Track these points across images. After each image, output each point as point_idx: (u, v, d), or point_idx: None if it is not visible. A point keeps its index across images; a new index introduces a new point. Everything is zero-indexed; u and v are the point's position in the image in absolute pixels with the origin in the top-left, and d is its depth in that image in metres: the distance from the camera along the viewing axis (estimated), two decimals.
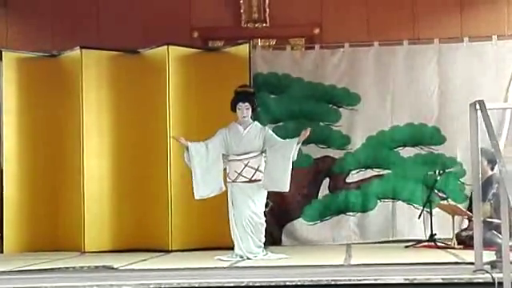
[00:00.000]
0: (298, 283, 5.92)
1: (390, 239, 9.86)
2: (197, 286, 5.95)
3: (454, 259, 7.29)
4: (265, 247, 8.10)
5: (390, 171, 10.02)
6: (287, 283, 5.93)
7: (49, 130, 9.80)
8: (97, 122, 9.61)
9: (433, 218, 9.06)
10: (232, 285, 5.95)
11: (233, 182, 8.00)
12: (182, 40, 9.84)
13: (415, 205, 9.77)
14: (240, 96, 8.10)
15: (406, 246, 9.03)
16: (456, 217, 8.89)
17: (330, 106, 10.15)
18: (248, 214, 7.94)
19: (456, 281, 5.81)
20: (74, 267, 7.23)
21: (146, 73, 9.52)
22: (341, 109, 10.13)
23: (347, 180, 10.10)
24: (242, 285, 5.94)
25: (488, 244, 6.67)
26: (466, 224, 9.10)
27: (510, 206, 5.51)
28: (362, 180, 10.08)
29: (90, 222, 9.41)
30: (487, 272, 5.84)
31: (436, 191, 9.53)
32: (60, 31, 10.52)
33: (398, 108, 10.04)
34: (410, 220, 9.73)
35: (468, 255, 6.94)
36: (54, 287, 6.07)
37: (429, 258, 7.38)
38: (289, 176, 7.85)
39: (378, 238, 9.91)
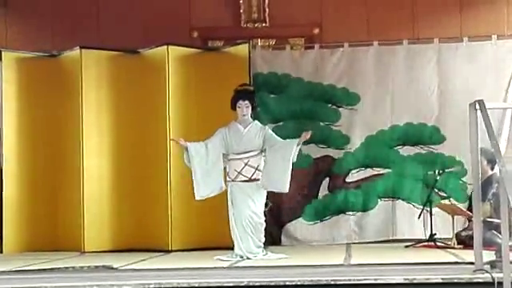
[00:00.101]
0: (298, 283, 5.92)
1: (390, 239, 9.87)
2: (197, 285, 5.95)
3: (454, 259, 7.29)
4: (265, 247, 8.10)
5: (390, 170, 10.03)
6: (287, 283, 5.93)
7: (49, 129, 9.80)
8: (96, 122, 9.61)
9: (433, 217, 9.07)
10: (232, 285, 5.94)
11: (232, 181, 8.00)
12: (182, 40, 9.85)
13: (415, 204, 9.78)
14: (240, 94, 8.11)
15: (406, 246, 9.03)
16: (458, 217, 8.89)
17: (330, 105, 10.15)
18: (248, 214, 7.94)
19: (456, 281, 5.81)
20: (73, 267, 7.23)
21: (146, 73, 9.52)
22: (340, 109, 10.14)
23: (347, 180, 10.10)
24: (242, 285, 5.94)
25: (488, 244, 6.67)
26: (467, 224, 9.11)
27: (510, 206, 5.51)
28: (361, 179, 10.09)
29: (90, 221, 9.41)
30: (487, 272, 5.84)
31: (437, 190, 9.54)
32: (60, 31, 10.52)
33: (398, 108, 10.05)
34: (410, 219, 9.74)
35: (468, 255, 6.94)
36: (53, 287, 6.07)
37: (429, 257, 7.38)
38: (288, 177, 7.86)
39: (378, 238, 9.92)
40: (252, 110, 8.13)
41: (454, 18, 10.26)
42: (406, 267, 6.56)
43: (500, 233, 6.14)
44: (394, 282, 5.86)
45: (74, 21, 10.53)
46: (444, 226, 9.11)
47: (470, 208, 8.21)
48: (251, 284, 5.93)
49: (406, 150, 10.03)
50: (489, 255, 6.16)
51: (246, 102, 8.06)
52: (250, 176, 7.96)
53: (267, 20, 10.49)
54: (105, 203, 9.55)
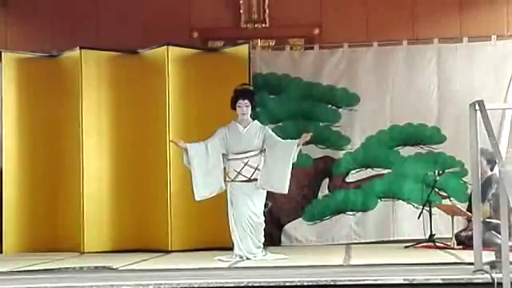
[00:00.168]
0: (298, 283, 5.93)
1: (390, 239, 9.87)
2: (196, 286, 5.95)
3: (454, 259, 7.30)
4: (264, 247, 8.10)
5: (389, 170, 10.03)
6: (287, 283, 5.93)
7: (48, 129, 9.80)
8: (96, 122, 9.61)
9: (432, 217, 9.07)
10: (232, 285, 5.95)
11: (232, 181, 8.00)
12: (182, 40, 9.84)
13: (415, 204, 9.77)
14: (240, 93, 8.11)
15: (406, 246, 9.04)
16: (458, 217, 8.89)
17: (330, 106, 10.16)
18: (247, 214, 7.94)
19: (455, 281, 5.82)
20: (73, 267, 7.23)
21: (146, 73, 9.52)
22: (340, 109, 10.14)
23: (347, 180, 10.11)
24: (242, 285, 5.94)
25: (487, 244, 6.68)
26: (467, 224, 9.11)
27: (510, 207, 5.52)
28: (361, 180, 10.09)
29: (90, 222, 9.40)
30: (487, 272, 5.84)
31: (437, 191, 9.54)
32: (60, 31, 10.51)
33: (398, 108, 10.05)
34: (409, 220, 9.73)
35: (467, 255, 6.95)
36: (53, 287, 6.07)
37: (428, 258, 7.39)
38: (288, 178, 7.86)
39: (378, 238, 9.92)
40: (252, 109, 8.13)
41: (453, 18, 10.26)
42: (406, 268, 6.57)
43: (499, 233, 6.14)
44: (393, 282, 5.86)
45: (74, 21, 10.53)
46: (444, 226, 9.12)
47: (469, 208, 8.21)
48: (251, 284, 5.94)
49: (406, 151, 10.03)
50: (488, 256, 6.16)
51: (246, 101, 8.07)
52: (249, 176, 7.96)
53: (267, 20, 10.48)
54: (104, 203, 9.54)
